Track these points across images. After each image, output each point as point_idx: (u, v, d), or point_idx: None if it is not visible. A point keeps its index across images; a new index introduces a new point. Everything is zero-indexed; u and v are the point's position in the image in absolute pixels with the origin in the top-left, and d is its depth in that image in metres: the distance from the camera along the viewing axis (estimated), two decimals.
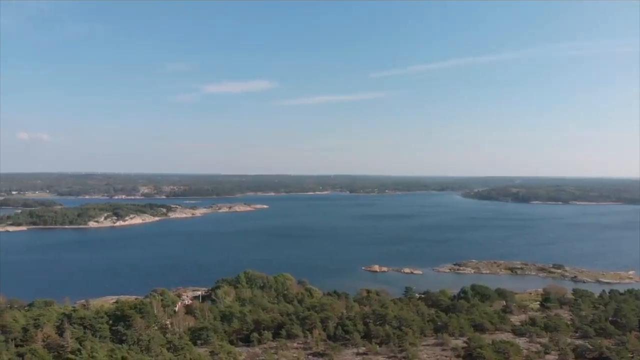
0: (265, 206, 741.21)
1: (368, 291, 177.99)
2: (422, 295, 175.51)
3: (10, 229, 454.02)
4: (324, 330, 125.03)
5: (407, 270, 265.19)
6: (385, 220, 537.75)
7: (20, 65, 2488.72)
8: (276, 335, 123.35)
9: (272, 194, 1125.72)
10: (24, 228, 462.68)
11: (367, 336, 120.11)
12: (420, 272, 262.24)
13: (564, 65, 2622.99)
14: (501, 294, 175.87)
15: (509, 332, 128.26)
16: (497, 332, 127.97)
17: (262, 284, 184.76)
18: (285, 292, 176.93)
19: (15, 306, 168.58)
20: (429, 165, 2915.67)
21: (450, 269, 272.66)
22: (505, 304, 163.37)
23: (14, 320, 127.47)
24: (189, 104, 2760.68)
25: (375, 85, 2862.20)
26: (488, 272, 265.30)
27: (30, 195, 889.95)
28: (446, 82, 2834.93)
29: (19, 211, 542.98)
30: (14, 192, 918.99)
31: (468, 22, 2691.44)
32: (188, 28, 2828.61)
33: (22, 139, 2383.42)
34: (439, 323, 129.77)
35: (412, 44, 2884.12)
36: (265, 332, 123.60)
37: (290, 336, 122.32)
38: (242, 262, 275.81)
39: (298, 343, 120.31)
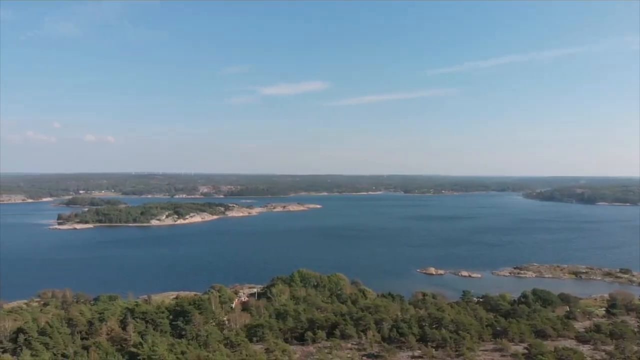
0: (318, 206, 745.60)
1: (424, 294, 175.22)
2: (481, 299, 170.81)
3: (78, 226, 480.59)
4: (378, 331, 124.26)
5: (464, 273, 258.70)
6: (440, 222, 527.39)
7: (85, 71, 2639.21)
8: (330, 335, 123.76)
9: (325, 193, 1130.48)
10: (90, 226, 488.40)
11: (422, 339, 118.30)
12: (479, 276, 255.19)
13: (629, 59, 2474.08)
14: (564, 299, 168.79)
15: (572, 339, 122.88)
16: (559, 338, 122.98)
17: (315, 283, 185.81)
18: (339, 292, 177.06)
19: (82, 300, 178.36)
20: (488, 164, 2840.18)
21: (510, 273, 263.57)
22: (568, 309, 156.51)
23: (80, 313, 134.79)
24: (246, 105, 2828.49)
25: (432, 83, 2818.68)
26: (550, 276, 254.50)
27: (96, 194, 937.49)
28: (506, 78, 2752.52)
29: (86, 209, 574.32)
30: (81, 192, 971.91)
31: (529, 16, 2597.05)
32: (244, 31, 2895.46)
33: (89, 140, 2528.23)
34: (498, 328, 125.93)
35: (471, 39, 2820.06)
36: (319, 331, 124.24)
37: (344, 336, 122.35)
38: (296, 261, 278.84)
39: (352, 344, 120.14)
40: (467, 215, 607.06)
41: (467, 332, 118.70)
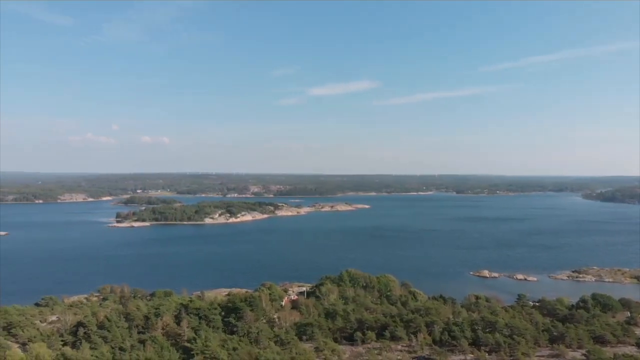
0: (366, 206, 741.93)
1: (477, 297, 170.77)
2: (537, 303, 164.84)
3: (136, 224, 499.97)
4: (429, 334, 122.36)
5: (520, 276, 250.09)
6: (494, 223, 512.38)
7: (141, 74, 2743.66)
8: (380, 336, 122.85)
9: (374, 194, 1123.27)
10: (147, 224, 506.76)
11: (475, 343, 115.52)
12: (535, 279, 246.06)
13: None
14: (625, 304, 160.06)
15: (632, 345, 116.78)
16: (619, 345, 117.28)
17: (364, 284, 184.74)
18: (389, 293, 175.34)
19: (139, 296, 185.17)
20: (545, 164, 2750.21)
21: (568, 276, 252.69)
22: (629, 315, 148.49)
23: (137, 308, 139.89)
24: (294, 106, 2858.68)
25: (484, 80, 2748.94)
26: (611, 280, 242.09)
27: (153, 193, 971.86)
28: (563, 74, 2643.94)
29: (143, 208, 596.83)
30: (138, 191, 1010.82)
31: (589, 10, 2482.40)
32: (293, 32, 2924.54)
33: (146, 142, 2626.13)
34: (554, 333, 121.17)
35: (526, 34, 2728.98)
36: (369, 332, 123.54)
37: (394, 338, 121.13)
38: (344, 261, 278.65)
39: (402, 345, 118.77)
40: (522, 217, 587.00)
41: (522, 337, 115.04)
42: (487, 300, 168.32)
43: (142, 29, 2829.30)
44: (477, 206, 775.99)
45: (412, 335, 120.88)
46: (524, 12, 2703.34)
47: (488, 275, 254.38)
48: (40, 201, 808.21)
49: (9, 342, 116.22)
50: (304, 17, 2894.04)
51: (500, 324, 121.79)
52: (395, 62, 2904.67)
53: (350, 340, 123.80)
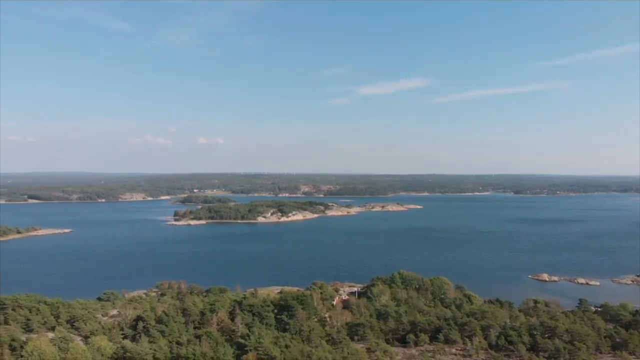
0: (418, 206, 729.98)
1: (535, 301, 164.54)
2: (599, 309, 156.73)
3: (192, 222, 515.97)
4: (485, 338, 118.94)
5: (581, 280, 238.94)
6: (554, 225, 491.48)
7: (196, 78, 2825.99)
8: (433, 338, 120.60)
9: (426, 194, 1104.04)
10: (203, 222, 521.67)
11: (533, 349, 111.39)
12: (597, 283, 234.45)
13: None
14: None
15: None
16: None
17: (417, 286, 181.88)
18: (442, 295, 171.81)
19: (195, 292, 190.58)
20: (608, 163, 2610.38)
21: (633, 281, 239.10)
22: None
23: (193, 304, 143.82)
24: (344, 106, 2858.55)
25: (541, 76, 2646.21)
26: None
27: (208, 193, 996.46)
28: (626, 70, 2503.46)
29: (200, 207, 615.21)
30: (195, 190, 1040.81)
31: None
32: (341, 33, 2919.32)
33: (202, 143, 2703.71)
34: (617, 340, 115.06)
35: (584, 28, 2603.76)
36: (422, 334, 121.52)
37: (448, 341, 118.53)
38: (395, 262, 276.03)
39: (456, 349, 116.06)
40: (584, 218, 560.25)
41: (583, 343, 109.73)
42: (546, 304, 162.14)
43: (198, 33, 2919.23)
44: (535, 207, 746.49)
45: (467, 339, 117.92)
46: (579, 6, 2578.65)
47: (547, 279, 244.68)
48: (103, 200, 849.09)
49: (72, 335, 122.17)
50: (353, 16, 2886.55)
51: (560, 329, 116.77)
52: (449, 58, 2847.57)
53: (403, 342, 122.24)
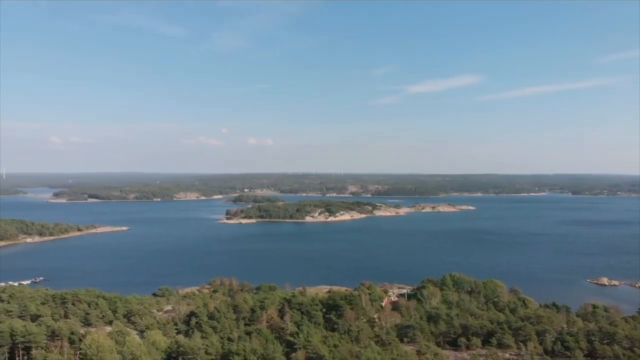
0: (471, 207, 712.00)
1: (594, 306, 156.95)
2: None
3: (243, 221, 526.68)
4: (540, 344, 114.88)
5: None
6: (614, 227, 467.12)
7: (248, 80, 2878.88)
8: (486, 342, 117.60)
9: (479, 194, 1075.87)
10: (253, 221, 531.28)
11: (590, 355, 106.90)
12: None
13: None
14: None
15: None
16: None
17: (469, 289, 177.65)
18: (496, 299, 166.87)
19: (245, 289, 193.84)
20: None
21: None
22: None
23: (244, 301, 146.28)
24: (393, 105, 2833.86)
25: (600, 71, 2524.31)
26: None
27: (258, 192, 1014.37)
28: None
29: (250, 206, 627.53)
30: (246, 190, 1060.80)
31: None
32: (390, 31, 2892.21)
33: (252, 144, 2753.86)
34: None
35: None
36: (474, 338, 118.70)
37: (502, 346, 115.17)
38: (446, 264, 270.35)
39: (510, 354, 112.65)
40: None
41: None
42: (605, 309, 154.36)
43: (249, 37, 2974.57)
44: (595, 208, 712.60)
45: (522, 344, 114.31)
46: None
47: (607, 283, 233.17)
48: (158, 199, 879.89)
49: (129, 329, 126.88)
50: (403, 14, 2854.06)
51: (620, 335, 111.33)
52: (501, 54, 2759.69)
53: (454, 345, 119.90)
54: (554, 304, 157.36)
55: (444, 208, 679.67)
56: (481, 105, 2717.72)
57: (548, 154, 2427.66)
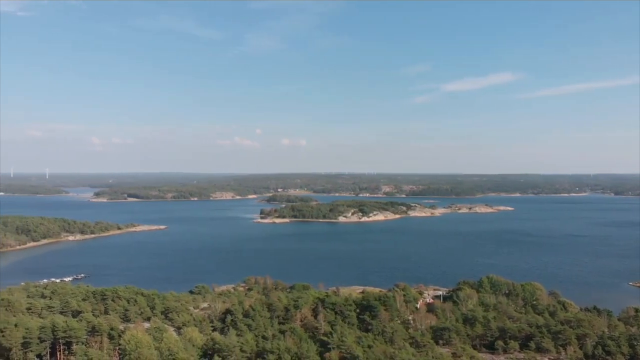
0: (509, 208, 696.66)
1: (636, 310, 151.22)
2: None
3: (277, 220, 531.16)
4: (580, 348, 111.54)
5: None
6: None
7: (281, 81, 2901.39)
8: (524, 346, 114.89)
9: (518, 194, 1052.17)
10: (287, 220, 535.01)
11: None
12: None
13: None
14: None
15: None
16: None
17: (507, 291, 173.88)
18: (534, 302, 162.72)
19: (279, 287, 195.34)
20: None
21: None
22: None
23: (278, 300, 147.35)
24: (428, 104, 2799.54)
25: None
26: None
27: (292, 192, 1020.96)
28: None
29: (283, 206, 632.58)
30: (279, 190, 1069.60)
31: None
32: (425, 29, 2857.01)
33: (285, 144, 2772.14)
34: None
35: None
36: (511, 341, 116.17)
37: (540, 350, 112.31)
38: (483, 266, 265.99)
39: (549, 358, 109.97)
40: None
41: None
42: None
43: (282, 37, 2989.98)
44: (638, 209, 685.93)
45: (561, 348, 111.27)
46: None
47: None
48: (195, 199, 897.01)
49: (166, 326, 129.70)
50: (438, 12, 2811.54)
51: None
52: (541, 50, 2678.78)
53: (491, 348, 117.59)
54: (594, 308, 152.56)
55: (480, 209, 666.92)
56: (519, 103, 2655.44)
57: (589, 153, 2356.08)
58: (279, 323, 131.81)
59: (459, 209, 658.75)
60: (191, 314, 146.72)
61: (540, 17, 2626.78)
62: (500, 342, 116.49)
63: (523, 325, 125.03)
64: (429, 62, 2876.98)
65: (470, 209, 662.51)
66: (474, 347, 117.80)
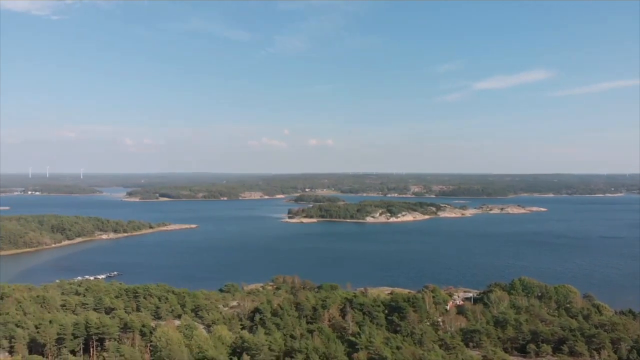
0: (542, 209, 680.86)
1: None
2: None
3: (305, 220, 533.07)
4: (615, 352, 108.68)
5: None
6: None
7: (309, 82, 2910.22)
8: (556, 350, 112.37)
9: (551, 195, 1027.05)
10: (314, 220, 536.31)
11: None
12: None
13: None
14: None
15: None
16: None
17: (539, 294, 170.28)
18: (568, 305, 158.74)
19: (307, 287, 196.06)
20: None
21: None
22: None
23: (306, 299, 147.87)
24: (458, 102, 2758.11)
25: None
26: None
27: (319, 192, 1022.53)
28: None
29: (311, 205, 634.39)
30: (307, 190, 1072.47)
31: None
32: (455, 26, 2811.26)
33: (312, 144, 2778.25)
34: None
35: None
36: (544, 345, 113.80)
37: (574, 353, 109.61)
38: (514, 268, 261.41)
39: None
40: None
41: None
42: None
43: (309, 38, 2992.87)
44: None
45: (595, 352, 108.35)
46: None
47: None
48: (225, 198, 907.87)
49: (196, 323, 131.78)
50: (466, 9, 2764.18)
51: None
52: (576, 47, 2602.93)
53: (522, 352, 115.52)
54: (630, 311, 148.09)
55: (513, 209, 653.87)
56: (553, 101, 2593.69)
57: (625, 152, 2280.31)
58: (307, 322, 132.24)
59: (490, 210, 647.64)
60: (220, 312, 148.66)
61: (574, 14, 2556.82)
62: (532, 346, 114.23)
63: (556, 328, 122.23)
64: (459, 60, 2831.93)
65: (502, 209, 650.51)
66: (505, 350, 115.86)
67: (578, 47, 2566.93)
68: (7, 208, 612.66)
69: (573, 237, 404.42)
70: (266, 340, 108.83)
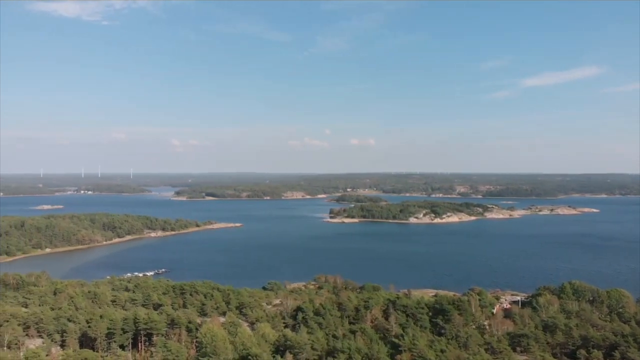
0: (594, 210, 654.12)
1: None
2: None
3: (346, 220, 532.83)
4: None
5: None
6: None
7: (350, 81, 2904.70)
8: (608, 356, 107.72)
9: (604, 195, 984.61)
10: (356, 220, 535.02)
11: None
12: None
13: None
14: None
15: None
16: None
17: (591, 298, 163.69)
18: (621, 310, 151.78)
19: (350, 287, 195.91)
20: None
21: None
22: None
23: (348, 299, 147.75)
24: (505, 100, 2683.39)
25: None
26: None
27: (361, 192, 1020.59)
28: None
29: (352, 206, 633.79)
30: (348, 190, 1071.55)
31: None
32: (502, 23, 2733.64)
33: (354, 144, 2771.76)
34: None
35: None
36: (595, 350, 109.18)
37: None
38: (564, 271, 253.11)
39: None
40: None
41: None
42: None
43: (351, 37, 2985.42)
44: None
45: None
46: None
47: None
48: (268, 198, 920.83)
49: (240, 321, 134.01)
50: (508, 5, 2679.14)
51: None
52: (627, 42, 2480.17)
53: (572, 357, 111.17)
54: None
55: (563, 210, 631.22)
56: (605, 98, 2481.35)
57: None
58: (350, 323, 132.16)
59: (540, 211, 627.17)
60: (264, 310, 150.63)
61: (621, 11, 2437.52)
62: (582, 351, 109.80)
63: (607, 333, 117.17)
64: (507, 56, 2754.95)
65: (551, 210, 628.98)
66: (554, 355, 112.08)
67: (629, 42, 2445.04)
68: (60, 207, 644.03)
69: (625, 239, 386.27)
70: (309, 339, 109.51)
